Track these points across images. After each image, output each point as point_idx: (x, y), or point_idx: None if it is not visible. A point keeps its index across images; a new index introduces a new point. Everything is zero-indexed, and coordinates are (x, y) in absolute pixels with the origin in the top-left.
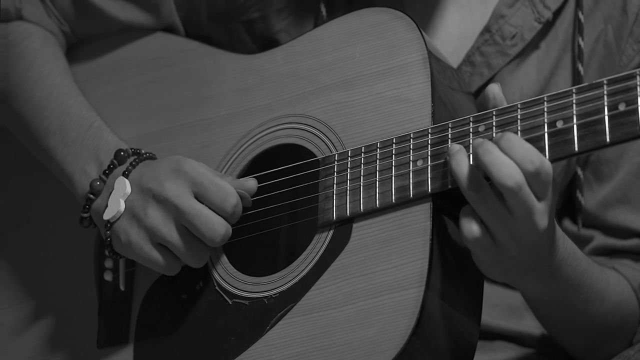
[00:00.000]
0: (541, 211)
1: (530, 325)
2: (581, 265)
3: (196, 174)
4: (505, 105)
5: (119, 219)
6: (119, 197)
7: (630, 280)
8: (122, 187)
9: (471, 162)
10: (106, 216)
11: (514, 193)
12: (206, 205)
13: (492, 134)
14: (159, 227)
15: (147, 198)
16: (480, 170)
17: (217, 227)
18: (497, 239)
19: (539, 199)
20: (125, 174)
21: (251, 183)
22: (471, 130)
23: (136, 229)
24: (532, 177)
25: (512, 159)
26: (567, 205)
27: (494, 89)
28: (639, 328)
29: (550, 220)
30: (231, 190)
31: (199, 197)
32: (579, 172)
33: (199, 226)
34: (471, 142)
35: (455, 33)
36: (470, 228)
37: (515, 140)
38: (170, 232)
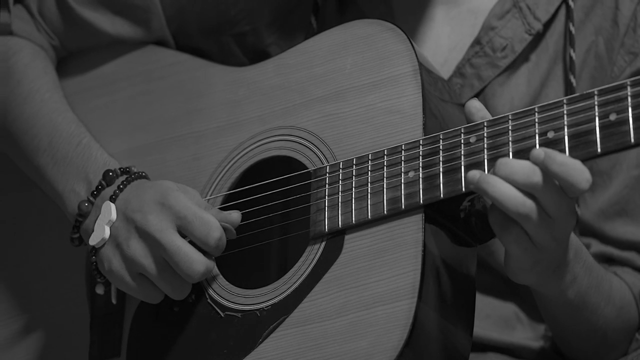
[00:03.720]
0: (571, 204)
1: (522, 337)
2: (589, 261)
3: (180, 208)
4: (491, 116)
5: (103, 245)
6: (104, 223)
7: (631, 287)
8: (108, 213)
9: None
10: (91, 242)
11: (541, 190)
12: (189, 239)
13: (484, 144)
14: (139, 259)
15: (130, 228)
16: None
17: (196, 265)
18: (536, 241)
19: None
20: (113, 198)
21: (235, 216)
22: (462, 141)
23: (118, 258)
24: (582, 192)
25: (568, 180)
26: None
27: (475, 104)
28: (635, 337)
29: None
30: (215, 223)
31: (182, 231)
32: None
33: (178, 263)
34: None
35: (446, 44)
36: (510, 233)
37: (570, 162)
38: (150, 265)
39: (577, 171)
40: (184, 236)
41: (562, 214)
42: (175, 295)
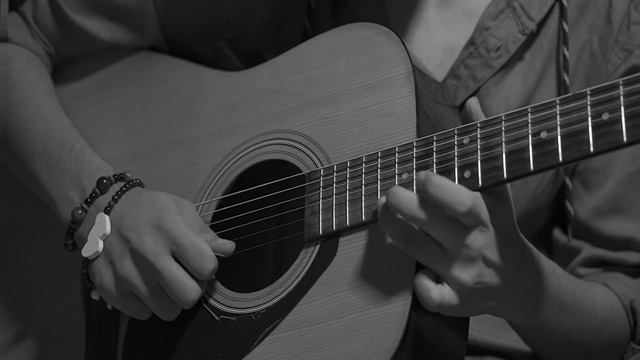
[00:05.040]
0: (474, 235)
1: (520, 340)
2: (562, 283)
3: (177, 234)
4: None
5: (96, 258)
6: (98, 236)
7: (622, 297)
8: (102, 226)
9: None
10: (84, 253)
11: (425, 223)
12: (183, 265)
13: (477, 146)
14: (132, 280)
15: (125, 247)
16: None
17: (189, 293)
18: (443, 278)
19: (475, 226)
20: (107, 210)
21: (229, 247)
22: (456, 142)
23: (111, 275)
24: (464, 217)
25: (444, 203)
26: (557, 215)
27: (473, 104)
28: (629, 346)
29: (513, 244)
30: (210, 254)
31: (177, 257)
32: (567, 181)
33: (172, 289)
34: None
35: (441, 46)
36: (429, 296)
37: (444, 184)
38: (142, 287)
39: (450, 193)
40: (177, 260)
41: (459, 247)
42: (164, 316)
